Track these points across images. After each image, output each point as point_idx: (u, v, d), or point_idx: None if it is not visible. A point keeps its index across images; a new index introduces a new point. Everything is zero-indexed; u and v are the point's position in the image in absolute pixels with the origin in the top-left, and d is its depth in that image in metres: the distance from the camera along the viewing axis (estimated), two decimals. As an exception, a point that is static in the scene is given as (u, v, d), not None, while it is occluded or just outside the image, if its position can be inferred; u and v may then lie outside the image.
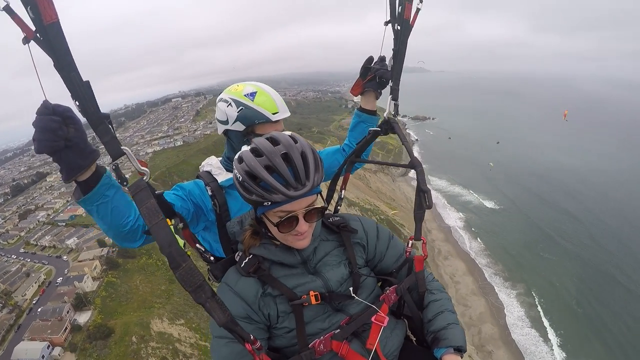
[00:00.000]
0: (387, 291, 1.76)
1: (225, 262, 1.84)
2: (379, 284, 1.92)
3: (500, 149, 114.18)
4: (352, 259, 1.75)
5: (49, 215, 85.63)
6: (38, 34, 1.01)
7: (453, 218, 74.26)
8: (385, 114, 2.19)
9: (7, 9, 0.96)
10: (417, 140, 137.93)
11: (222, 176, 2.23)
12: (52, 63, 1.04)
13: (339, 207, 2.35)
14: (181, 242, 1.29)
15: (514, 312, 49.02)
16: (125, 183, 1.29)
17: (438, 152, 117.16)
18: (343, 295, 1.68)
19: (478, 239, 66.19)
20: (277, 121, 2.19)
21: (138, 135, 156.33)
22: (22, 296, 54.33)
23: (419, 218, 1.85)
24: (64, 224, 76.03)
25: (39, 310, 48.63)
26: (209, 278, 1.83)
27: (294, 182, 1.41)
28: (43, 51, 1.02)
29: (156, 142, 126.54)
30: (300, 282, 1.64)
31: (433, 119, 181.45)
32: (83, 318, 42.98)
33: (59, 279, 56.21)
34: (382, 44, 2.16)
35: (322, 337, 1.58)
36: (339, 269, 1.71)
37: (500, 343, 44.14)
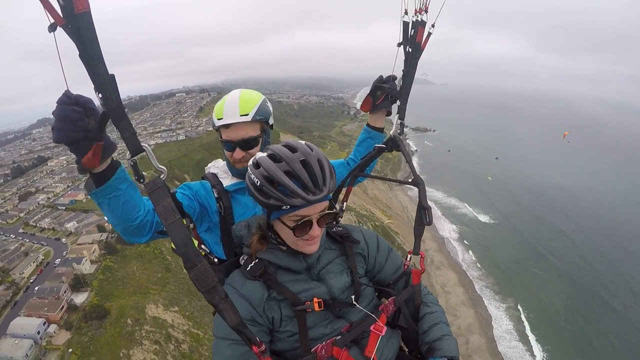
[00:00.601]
0: (386, 302, 1.82)
1: (229, 264, 1.89)
2: (377, 294, 1.97)
3: (499, 164, 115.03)
4: (354, 268, 1.82)
5: (49, 198, 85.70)
6: (69, 23, 0.98)
7: (447, 229, 74.86)
8: (391, 132, 2.24)
9: None
10: (416, 151, 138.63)
11: (227, 180, 2.32)
12: (77, 53, 1.01)
13: (340, 218, 2.36)
14: (195, 242, 1.36)
15: (502, 324, 49.56)
16: (142, 180, 1.31)
17: (437, 164, 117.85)
18: (345, 303, 1.72)
19: (470, 251, 66.84)
20: (230, 125, 2.20)
21: (141, 126, 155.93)
22: (20, 274, 54.64)
23: (418, 234, 1.89)
24: (64, 207, 76.15)
25: (36, 288, 49.06)
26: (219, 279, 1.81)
27: (313, 187, 1.49)
28: (72, 40, 0.99)
29: (159, 134, 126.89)
30: (304, 287, 1.68)
31: (434, 130, 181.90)
32: (80, 299, 43.34)
33: (57, 260, 56.45)
34: (394, 64, 2.21)
35: (324, 343, 1.62)
36: (341, 277, 1.77)
37: (487, 355, 44.58)
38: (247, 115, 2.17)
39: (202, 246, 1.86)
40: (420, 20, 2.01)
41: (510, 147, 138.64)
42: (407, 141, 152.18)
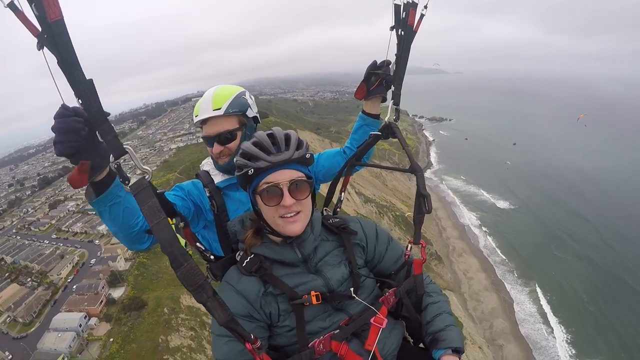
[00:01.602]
0: (387, 293, 1.80)
1: (225, 261, 1.87)
2: (378, 285, 1.94)
3: (517, 150, 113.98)
4: (352, 259, 1.78)
5: (78, 205, 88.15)
6: (44, 33, 1.00)
7: (467, 217, 75.42)
8: (386, 119, 2.19)
9: (11, 6, 0.95)
10: (433, 140, 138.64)
11: (219, 177, 2.31)
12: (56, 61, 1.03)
13: (338, 209, 2.38)
14: (182, 241, 1.39)
15: (524, 308, 49.91)
16: (127, 182, 1.29)
17: (454, 153, 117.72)
18: (343, 295, 1.70)
19: (491, 237, 67.16)
20: (207, 121, 2.26)
21: (160, 132, 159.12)
22: (57, 275, 57.54)
23: (418, 222, 1.86)
24: (94, 212, 79.09)
25: (75, 286, 51.75)
26: (207, 276, 1.78)
27: (273, 148, 1.54)
28: (48, 49, 1.00)
29: (179, 138, 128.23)
30: (301, 281, 1.66)
31: (450, 119, 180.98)
32: (117, 293, 45.42)
33: (93, 260, 58.94)
34: (387, 49, 2.15)
35: (321, 337, 1.60)
36: (339, 269, 1.74)
37: (511, 337, 45.12)
38: (219, 109, 2.20)
39: (198, 244, 1.86)
40: (411, 1, 1.99)
41: (527, 132, 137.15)
42: (424, 131, 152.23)
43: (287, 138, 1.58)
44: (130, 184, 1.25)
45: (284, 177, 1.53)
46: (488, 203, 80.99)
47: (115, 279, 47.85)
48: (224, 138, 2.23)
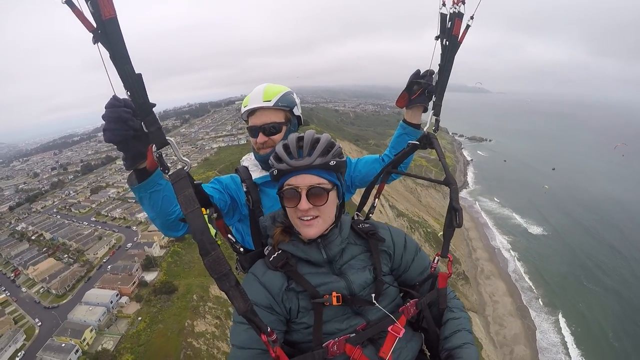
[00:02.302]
0: (408, 304, 1.76)
1: (254, 254, 1.87)
2: (401, 294, 1.92)
3: (555, 175, 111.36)
4: (378, 265, 1.76)
5: (118, 192, 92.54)
6: (98, 29, 1.06)
7: (499, 240, 74.51)
8: (425, 129, 2.16)
9: (69, 2, 1.02)
10: (471, 160, 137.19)
11: (257, 173, 2.37)
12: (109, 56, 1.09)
13: (371, 215, 2.33)
14: (213, 231, 1.47)
15: (547, 337, 49.03)
16: (167, 171, 1.31)
17: (491, 174, 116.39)
18: (364, 300, 1.68)
19: (521, 262, 66.10)
20: (255, 112, 2.34)
21: (203, 131, 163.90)
22: (94, 254, 60.92)
23: (448, 235, 1.83)
24: (134, 200, 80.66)
25: (109, 267, 54.71)
26: (236, 267, 1.86)
27: (295, 153, 1.57)
28: (102, 44, 1.08)
29: (220, 139, 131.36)
30: (324, 281, 1.67)
31: (490, 140, 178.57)
32: (150, 277, 47.67)
33: (129, 244, 61.90)
34: (431, 58, 2.15)
35: (337, 339, 1.60)
36: (363, 273, 1.73)
37: None
38: (269, 101, 2.29)
39: (230, 235, 1.82)
40: (457, 12, 1.98)
41: (567, 157, 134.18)
42: (462, 150, 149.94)
43: (314, 143, 1.59)
44: (170, 173, 1.30)
45: (304, 181, 1.57)
46: (521, 227, 79.58)
47: (149, 264, 50.29)
48: (270, 130, 2.32)
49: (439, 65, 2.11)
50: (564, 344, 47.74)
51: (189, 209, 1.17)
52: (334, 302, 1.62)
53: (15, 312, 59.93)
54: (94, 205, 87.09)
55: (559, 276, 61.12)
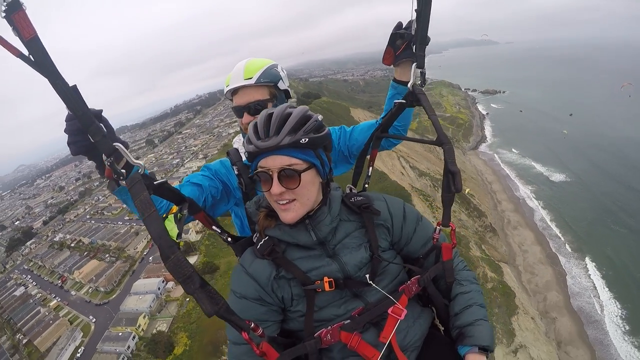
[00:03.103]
0: (409, 282, 1.65)
1: (244, 242, 1.79)
2: (406, 270, 1.79)
3: (573, 120, 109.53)
4: (373, 242, 1.65)
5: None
6: (28, 52, 1.04)
7: (522, 190, 74.64)
8: (409, 84, 1.90)
9: None
10: (487, 114, 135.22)
11: None
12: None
13: (366, 185, 2.23)
14: (175, 232, 1.37)
15: (579, 282, 49.48)
16: (122, 178, 1.29)
17: (509, 126, 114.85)
18: (359, 282, 1.59)
19: (546, 210, 66.28)
20: (238, 91, 2.23)
21: (217, 119, 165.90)
22: (134, 249, 64.14)
23: (447, 202, 1.63)
24: None
25: (151, 257, 57.87)
26: (236, 254, 1.78)
27: (262, 134, 1.43)
28: (28, 64, 1.06)
29: (235, 123, 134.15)
30: (315, 265, 1.57)
31: (503, 92, 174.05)
32: (191, 260, 48.45)
33: (162, 235, 65.41)
34: (412, 7, 1.84)
35: (329, 327, 1.52)
36: (358, 253, 1.62)
37: (565, 311, 45.13)
38: (250, 78, 2.16)
39: (214, 227, 1.75)
40: None
41: (584, 102, 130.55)
42: (477, 105, 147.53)
43: (283, 120, 1.44)
44: (129, 177, 1.25)
45: (274, 163, 1.44)
46: (543, 176, 79.26)
47: (188, 249, 52.95)
48: (254, 108, 2.18)
49: (415, 10, 1.85)
50: (595, 287, 48.20)
51: (146, 213, 1.13)
52: (327, 287, 1.52)
53: (68, 314, 64.54)
54: (124, 205, 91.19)
55: (584, 222, 61.13)
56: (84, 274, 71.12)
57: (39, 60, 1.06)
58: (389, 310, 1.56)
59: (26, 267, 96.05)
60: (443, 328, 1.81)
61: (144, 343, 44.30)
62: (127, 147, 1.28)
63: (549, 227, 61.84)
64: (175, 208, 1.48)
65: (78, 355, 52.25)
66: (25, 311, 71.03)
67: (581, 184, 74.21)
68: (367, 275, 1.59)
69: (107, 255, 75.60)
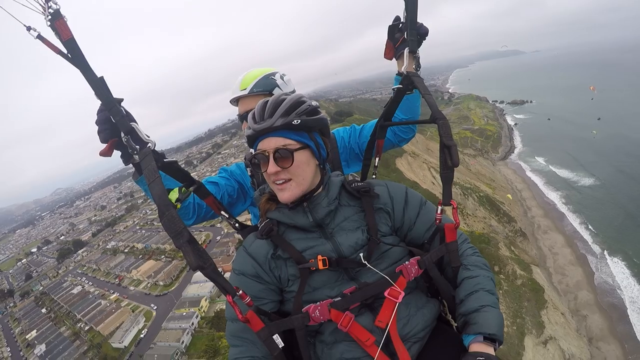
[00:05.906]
0: (408, 263, 1.56)
1: (251, 228, 1.88)
2: (410, 254, 1.70)
3: (601, 124, 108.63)
4: (372, 225, 1.63)
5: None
6: (66, 51, 1.23)
7: (552, 196, 75.50)
8: (402, 68, 1.88)
9: (40, 37, 1.20)
10: (515, 124, 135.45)
11: None
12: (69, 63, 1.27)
13: (374, 176, 2.19)
14: (174, 197, 1.55)
15: (609, 281, 50.05)
16: (135, 152, 1.39)
17: (537, 134, 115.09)
18: (352, 262, 1.56)
19: (576, 214, 67.12)
20: (239, 101, 2.40)
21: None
22: (190, 250, 70.70)
23: (446, 179, 1.54)
24: None
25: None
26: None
27: (258, 117, 1.52)
28: (64, 58, 1.26)
29: None
30: (310, 245, 1.58)
31: (531, 101, 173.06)
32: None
33: (218, 237, 70.71)
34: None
35: (318, 303, 1.50)
36: (354, 234, 1.61)
37: (595, 308, 45.38)
38: (245, 89, 2.29)
39: (222, 212, 1.86)
40: None
41: (611, 106, 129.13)
42: (505, 116, 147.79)
43: (277, 104, 1.51)
44: (140, 151, 1.39)
45: (269, 144, 1.51)
46: (571, 181, 79.97)
47: (241, 245, 58.42)
48: None
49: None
50: (625, 286, 48.82)
51: (151, 179, 1.24)
52: (320, 265, 1.52)
53: (129, 304, 70.79)
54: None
55: (614, 224, 61.87)
56: (142, 272, 76.71)
57: (75, 55, 1.26)
58: (386, 293, 1.50)
59: (80, 272, 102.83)
60: (456, 324, 1.61)
61: (206, 321, 49.75)
62: None
63: (579, 230, 62.72)
64: (186, 188, 1.70)
65: (142, 335, 58.48)
66: (85, 304, 78.02)
67: (610, 188, 74.76)
68: (362, 255, 1.57)
69: (163, 256, 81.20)
